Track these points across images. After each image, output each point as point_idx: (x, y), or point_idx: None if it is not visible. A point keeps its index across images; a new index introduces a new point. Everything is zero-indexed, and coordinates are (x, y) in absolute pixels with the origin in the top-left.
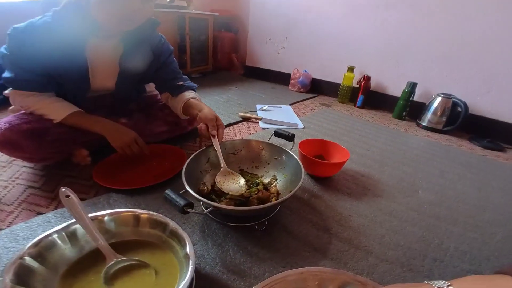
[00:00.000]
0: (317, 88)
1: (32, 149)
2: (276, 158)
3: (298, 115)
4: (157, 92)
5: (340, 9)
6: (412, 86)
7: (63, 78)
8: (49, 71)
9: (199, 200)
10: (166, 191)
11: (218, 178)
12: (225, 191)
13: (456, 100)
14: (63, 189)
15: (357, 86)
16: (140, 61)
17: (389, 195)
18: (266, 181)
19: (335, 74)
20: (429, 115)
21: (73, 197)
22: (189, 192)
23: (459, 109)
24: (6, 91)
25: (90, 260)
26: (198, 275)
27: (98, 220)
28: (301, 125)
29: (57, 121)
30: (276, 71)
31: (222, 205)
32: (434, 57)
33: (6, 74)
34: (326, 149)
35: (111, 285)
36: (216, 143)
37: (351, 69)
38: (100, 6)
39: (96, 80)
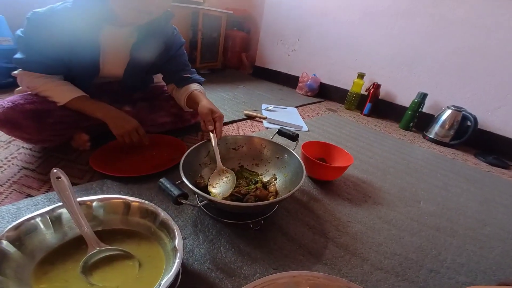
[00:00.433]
0: (324, 93)
1: (32, 130)
2: (278, 157)
3: (303, 118)
4: (164, 83)
5: (356, 15)
6: (423, 96)
7: (73, 62)
8: (61, 55)
9: (194, 193)
10: (161, 179)
11: (211, 180)
12: (214, 194)
13: (466, 114)
14: (55, 170)
15: (366, 93)
16: (151, 51)
17: (389, 203)
18: (265, 179)
19: (344, 80)
20: (436, 127)
21: (64, 179)
22: (185, 183)
23: (469, 123)
24: (15, 72)
25: (72, 247)
26: (185, 270)
27: (86, 205)
28: (305, 128)
29: (61, 104)
30: (285, 73)
31: (217, 199)
32: (448, 69)
33: (17, 55)
34: (329, 152)
35: (89, 275)
36: (213, 138)
37: (361, 76)
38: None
39: (105, 66)
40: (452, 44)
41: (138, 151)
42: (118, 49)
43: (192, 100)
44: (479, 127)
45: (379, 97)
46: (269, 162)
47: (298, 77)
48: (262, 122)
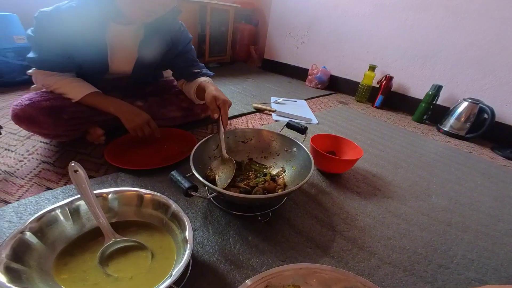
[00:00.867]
0: (335, 85)
1: (49, 126)
2: (286, 150)
3: (313, 111)
4: (172, 78)
5: (368, 8)
6: (437, 89)
7: (82, 60)
8: (70, 53)
9: (204, 185)
10: (172, 172)
11: (215, 169)
12: (217, 181)
13: (483, 106)
14: (73, 164)
15: (377, 85)
16: (158, 49)
17: (400, 197)
18: (274, 172)
19: (355, 73)
20: (452, 120)
21: (81, 172)
22: (195, 176)
23: (485, 115)
24: (30, 71)
25: (90, 238)
26: (195, 262)
27: (102, 198)
28: (315, 120)
29: (75, 100)
30: (294, 66)
31: (226, 191)
32: (465, 61)
33: (30, 55)
34: (338, 145)
35: (106, 265)
36: (219, 126)
37: (372, 68)
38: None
39: (114, 63)
40: (468, 37)
41: (150, 144)
42: (126, 46)
43: (201, 90)
44: (497, 120)
45: (391, 90)
46: (278, 155)
47: (307, 70)
48: (271, 115)
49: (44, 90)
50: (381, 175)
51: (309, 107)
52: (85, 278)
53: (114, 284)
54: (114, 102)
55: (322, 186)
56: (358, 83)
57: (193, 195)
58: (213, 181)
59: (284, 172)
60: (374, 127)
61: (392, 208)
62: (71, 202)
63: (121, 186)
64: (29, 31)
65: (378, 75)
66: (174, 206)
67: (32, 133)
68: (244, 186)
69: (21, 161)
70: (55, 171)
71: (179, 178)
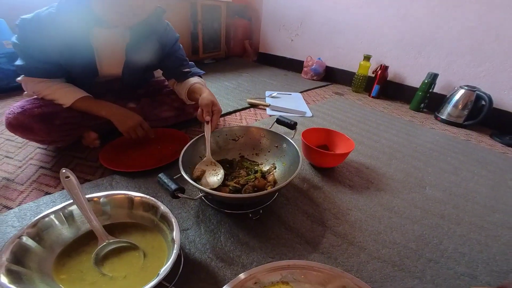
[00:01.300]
0: (331, 76)
1: (43, 132)
2: (277, 146)
3: (308, 103)
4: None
5: None
6: (433, 77)
7: (70, 65)
8: (57, 59)
9: (194, 186)
10: (159, 175)
11: (198, 165)
12: (200, 183)
13: (480, 93)
14: (64, 170)
15: (373, 75)
16: (145, 51)
17: (393, 190)
18: (265, 169)
19: (350, 63)
20: (449, 107)
21: (72, 178)
22: (184, 177)
23: (483, 102)
24: (19, 78)
25: (85, 240)
26: (187, 260)
27: (94, 202)
28: (309, 113)
29: (67, 106)
30: (289, 58)
31: (213, 192)
32: (461, 48)
33: (18, 62)
34: (331, 139)
35: (101, 265)
36: (207, 129)
37: (367, 58)
38: (100, 2)
39: (103, 67)
40: (463, 24)
41: (144, 146)
42: (113, 49)
43: (194, 93)
44: (495, 106)
45: (387, 79)
46: (269, 152)
47: (302, 62)
48: (265, 109)
49: (35, 97)
50: (375, 167)
51: (305, 99)
52: (83, 278)
53: (109, 283)
54: (105, 105)
55: (314, 181)
56: (354, 73)
57: (180, 197)
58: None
59: (275, 168)
60: (370, 117)
61: (385, 201)
62: (65, 207)
63: (116, 189)
64: (13, 39)
65: (373, 65)
66: (162, 207)
67: (28, 140)
68: (234, 185)
69: (20, 167)
70: (53, 176)
71: (165, 180)
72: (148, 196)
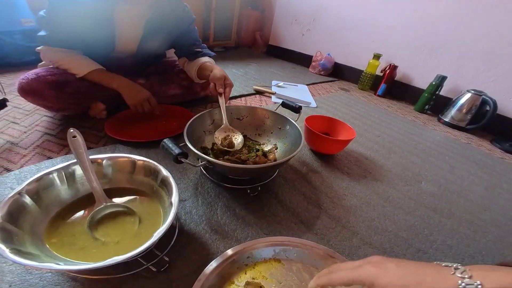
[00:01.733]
0: (338, 73)
1: (53, 99)
2: (280, 128)
3: (313, 95)
4: (175, 58)
5: None
6: (441, 79)
7: (91, 38)
8: (79, 32)
9: (197, 157)
10: (164, 139)
11: (217, 134)
12: (221, 146)
13: (486, 98)
14: (71, 130)
15: (381, 74)
16: (163, 28)
17: (389, 181)
18: (267, 149)
19: (359, 61)
20: (453, 111)
21: (79, 138)
22: (188, 146)
23: (488, 108)
24: (39, 48)
25: (82, 204)
26: (182, 230)
27: (97, 163)
28: (314, 104)
29: (79, 76)
30: (299, 52)
31: (215, 160)
32: (473, 53)
33: (41, 33)
34: (333, 127)
35: (95, 229)
36: (221, 101)
37: (377, 56)
38: None
39: (120, 42)
40: (480, 29)
41: (149, 120)
42: (133, 25)
43: (204, 70)
44: (500, 113)
45: (395, 79)
46: (271, 133)
47: (311, 57)
48: (270, 97)
49: (51, 66)
50: (374, 159)
51: (310, 92)
52: (73, 242)
53: (100, 248)
54: (117, 78)
55: (313, 166)
56: (362, 71)
57: (183, 162)
58: (205, 152)
59: (276, 149)
60: (373, 113)
61: (380, 191)
62: (67, 166)
63: None
64: (41, 12)
65: (382, 64)
66: (164, 171)
67: (37, 107)
68: (236, 160)
69: (25, 132)
70: (57, 142)
71: (170, 145)
72: (150, 160)
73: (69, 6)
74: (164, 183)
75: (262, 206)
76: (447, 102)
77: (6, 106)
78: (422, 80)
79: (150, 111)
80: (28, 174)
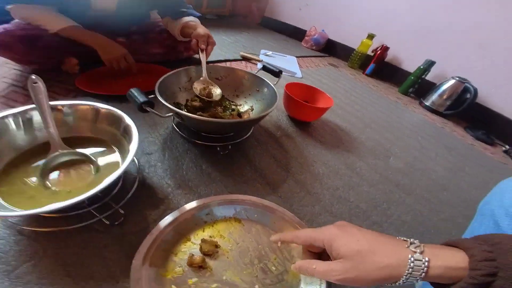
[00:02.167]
0: (330, 49)
1: (22, 52)
2: (258, 90)
3: (300, 67)
4: (159, 19)
5: None
6: (430, 64)
7: None
8: None
9: (170, 110)
10: (131, 89)
11: (196, 85)
12: (200, 96)
13: (468, 86)
14: (33, 76)
15: (372, 54)
16: None
17: (360, 153)
18: (243, 110)
19: (353, 40)
20: (435, 96)
21: (40, 84)
22: (158, 99)
23: (468, 95)
24: (9, 6)
25: (40, 151)
26: (143, 183)
27: (57, 110)
28: (299, 74)
29: (52, 31)
30: (294, 26)
31: (183, 112)
32: (465, 41)
33: None
34: (312, 95)
35: (47, 178)
36: (203, 57)
37: (370, 36)
38: None
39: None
40: (475, 17)
41: (126, 77)
42: None
43: (188, 28)
44: (479, 101)
45: (385, 60)
46: (249, 94)
47: (306, 31)
48: (256, 64)
49: (22, 23)
50: (349, 131)
51: (298, 64)
52: (23, 191)
53: (50, 197)
54: (92, 35)
55: (288, 131)
56: (354, 49)
57: (148, 111)
58: (177, 105)
59: (252, 110)
60: (357, 90)
61: (349, 162)
62: (25, 111)
63: None
64: None
65: (375, 44)
66: (127, 119)
67: (7, 60)
68: (209, 116)
69: None
70: (22, 93)
71: (136, 93)
72: (114, 109)
73: None
74: (126, 131)
75: (230, 164)
76: (431, 87)
77: None
78: (411, 64)
79: (126, 68)
80: None
